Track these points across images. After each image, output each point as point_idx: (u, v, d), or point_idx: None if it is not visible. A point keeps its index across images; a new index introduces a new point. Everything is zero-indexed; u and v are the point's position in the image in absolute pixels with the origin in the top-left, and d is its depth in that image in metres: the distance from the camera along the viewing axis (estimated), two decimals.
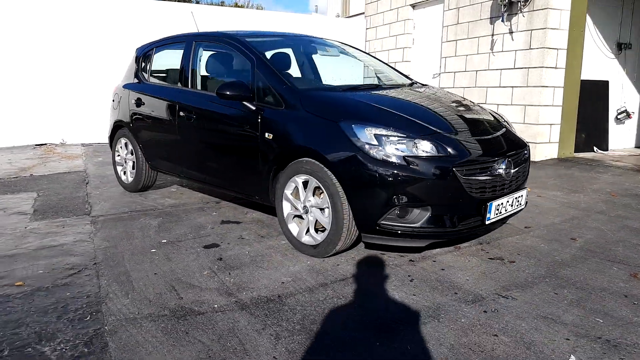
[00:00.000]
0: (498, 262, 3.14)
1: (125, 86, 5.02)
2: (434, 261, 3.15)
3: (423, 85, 4.30)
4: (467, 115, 3.42)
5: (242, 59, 3.77)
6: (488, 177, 2.98)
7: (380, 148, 2.82)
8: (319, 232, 3.17)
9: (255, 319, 2.38)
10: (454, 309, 2.49)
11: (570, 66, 6.94)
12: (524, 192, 3.29)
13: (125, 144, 5.06)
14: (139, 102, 4.70)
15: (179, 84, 4.31)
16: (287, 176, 3.27)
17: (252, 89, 3.49)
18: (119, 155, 5.23)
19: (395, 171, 2.78)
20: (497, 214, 3.05)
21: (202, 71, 4.24)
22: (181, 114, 4.11)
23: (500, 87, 7.42)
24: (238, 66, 3.95)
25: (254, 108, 3.46)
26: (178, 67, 4.77)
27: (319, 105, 3.19)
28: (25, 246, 3.45)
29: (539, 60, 6.77)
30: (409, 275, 2.91)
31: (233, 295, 2.65)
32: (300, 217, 3.31)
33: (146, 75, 4.86)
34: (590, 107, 7.56)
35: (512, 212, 3.21)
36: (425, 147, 2.86)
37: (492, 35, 7.49)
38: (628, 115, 8.11)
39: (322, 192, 3.07)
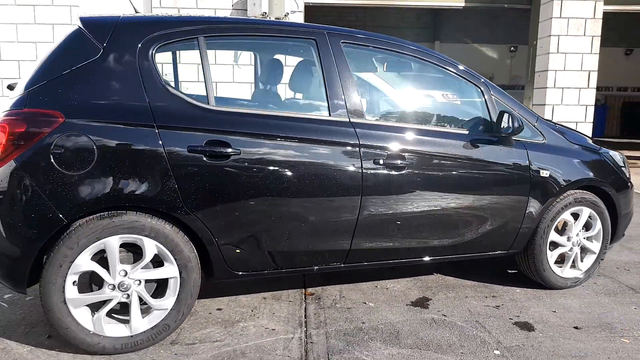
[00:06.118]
0: None
1: (126, 120, 2.22)
2: None
3: None
4: None
5: (442, 79, 2.96)
6: None
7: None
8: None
9: None
10: None
11: None
12: None
13: (126, 249, 2.25)
14: (213, 152, 2.29)
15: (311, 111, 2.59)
16: (558, 213, 3.10)
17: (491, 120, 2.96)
18: (75, 282, 2.19)
19: None
20: None
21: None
22: (378, 162, 2.56)
23: None
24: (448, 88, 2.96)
25: (513, 142, 2.95)
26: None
27: (574, 136, 3.24)
28: None
29: None
30: None
31: None
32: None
33: (207, 93, 2.36)
34: None
35: None
36: None
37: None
38: None
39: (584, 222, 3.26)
